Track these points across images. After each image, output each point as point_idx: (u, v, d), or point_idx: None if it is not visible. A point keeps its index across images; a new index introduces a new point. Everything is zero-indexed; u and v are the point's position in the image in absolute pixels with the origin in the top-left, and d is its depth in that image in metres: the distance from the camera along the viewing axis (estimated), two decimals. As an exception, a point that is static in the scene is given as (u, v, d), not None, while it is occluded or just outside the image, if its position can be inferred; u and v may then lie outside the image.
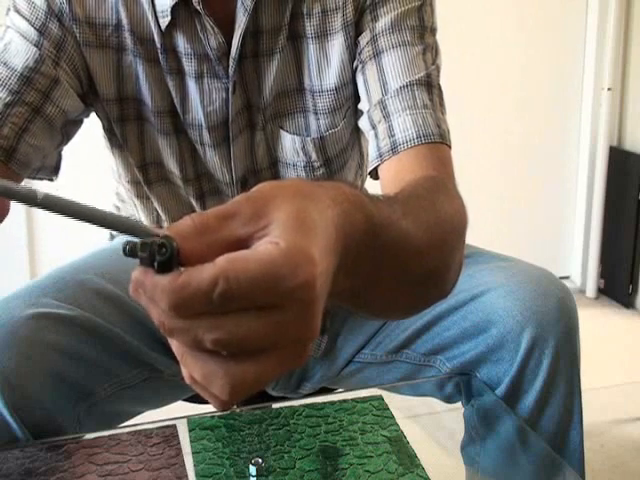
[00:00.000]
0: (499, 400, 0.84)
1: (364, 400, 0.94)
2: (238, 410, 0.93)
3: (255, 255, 0.38)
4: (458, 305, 0.88)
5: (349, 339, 1.00)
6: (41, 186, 0.93)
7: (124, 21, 0.83)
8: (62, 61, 0.82)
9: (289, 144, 0.90)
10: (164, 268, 0.38)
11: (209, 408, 1.03)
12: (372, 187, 0.80)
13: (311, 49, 0.86)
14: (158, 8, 0.82)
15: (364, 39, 0.84)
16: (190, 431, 0.87)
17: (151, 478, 0.78)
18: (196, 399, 1.09)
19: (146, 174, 0.92)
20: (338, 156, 0.93)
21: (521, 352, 0.82)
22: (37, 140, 0.81)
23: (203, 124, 0.87)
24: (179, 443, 0.84)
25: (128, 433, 0.85)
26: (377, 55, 0.83)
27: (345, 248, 0.44)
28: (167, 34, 0.84)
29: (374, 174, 0.84)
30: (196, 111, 0.87)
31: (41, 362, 0.80)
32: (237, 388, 0.39)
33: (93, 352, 0.86)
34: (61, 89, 0.82)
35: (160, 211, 0.96)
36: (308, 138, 0.89)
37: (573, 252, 2.66)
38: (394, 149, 0.80)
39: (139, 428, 0.86)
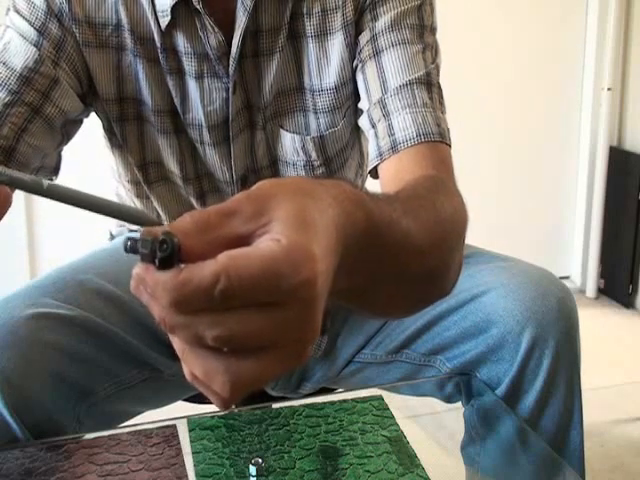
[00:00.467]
0: (499, 400, 0.84)
1: (364, 400, 0.94)
2: (238, 410, 0.93)
3: (256, 252, 0.38)
4: (458, 305, 0.88)
5: (349, 339, 1.00)
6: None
7: (124, 21, 0.83)
8: (62, 61, 0.82)
9: (289, 143, 0.90)
10: (165, 264, 0.38)
11: (209, 408, 1.03)
12: (372, 187, 0.80)
13: (311, 48, 0.86)
14: (158, 8, 0.82)
15: (364, 38, 0.84)
16: (190, 431, 0.87)
17: (151, 478, 0.78)
18: (196, 399, 1.09)
19: (146, 174, 0.92)
20: (338, 155, 0.93)
21: (521, 352, 0.82)
22: (36, 140, 0.81)
23: (203, 123, 0.87)
24: (179, 443, 0.84)
25: (128, 433, 0.85)
26: (377, 54, 0.83)
27: (346, 247, 0.44)
28: (167, 34, 0.84)
29: (374, 173, 0.84)
30: (196, 110, 0.87)
31: (41, 362, 0.80)
32: (238, 385, 0.39)
33: (93, 352, 0.86)
34: (60, 89, 0.82)
35: (160, 211, 0.96)
36: (308, 137, 0.89)
37: (573, 252, 2.66)
38: (394, 148, 0.80)
39: (139, 428, 0.86)
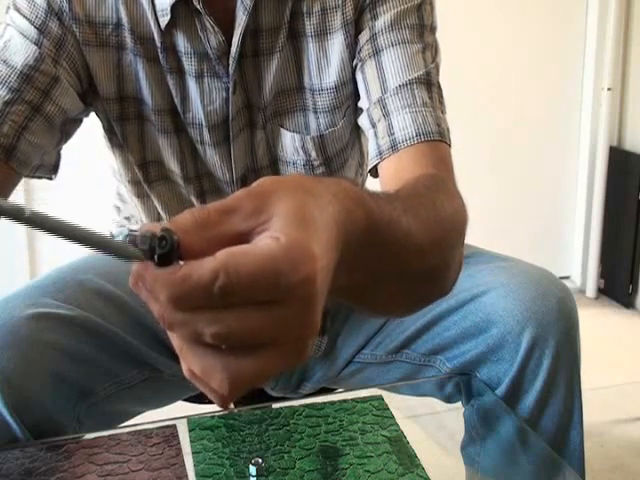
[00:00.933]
0: (499, 400, 0.84)
1: (364, 400, 0.94)
2: (238, 410, 0.93)
3: (256, 250, 0.38)
4: (458, 305, 0.88)
5: (349, 339, 1.00)
6: (40, 185, 0.93)
7: (124, 20, 0.83)
8: (62, 59, 0.82)
9: (289, 142, 0.90)
10: (164, 261, 0.38)
11: (209, 408, 1.03)
12: (372, 186, 0.80)
13: (311, 48, 0.86)
14: (158, 7, 0.82)
15: (363, 37, 0.84)
16: (190, 431, 0.87)
17: (151, 478, 0.78)
18: (196, 399, 1.09)
19: (146, 173, 0.92)
20: (338, 155, 0.93)
21: (521, 352, 0.82)
22: (37, 138, 0.81)
23: (203, 123, 0.87)
24: (179, 443, 0.84)
25: (128, 433, 0.85)
26: (377, 53, 0.83)
27: (346, 245, 0.44)
28: (167, 33, 0.83)
29: (374, 172, 0.84)
30: (196, 110, 0.87)
31: (41, 362, 0.80)
32: (236, 383, 0.39)
33: (93, 352, 0.86)
34: (61, 87, 0.82)
35: (160, 210, 0.96)
36: (308, 136, 0.89)
37: (573, 252, 2.66)
38: (394, 147, 0.80)
39: (139, 428, 0.86)
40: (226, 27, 0.83)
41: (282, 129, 0.90)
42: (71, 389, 0.83)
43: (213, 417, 0.90)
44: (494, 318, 0.84)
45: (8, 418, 0.75)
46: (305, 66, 0.87)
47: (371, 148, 0.83)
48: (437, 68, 0.86)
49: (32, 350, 0.80)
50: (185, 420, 0.89)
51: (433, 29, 0.87)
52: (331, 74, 0.86)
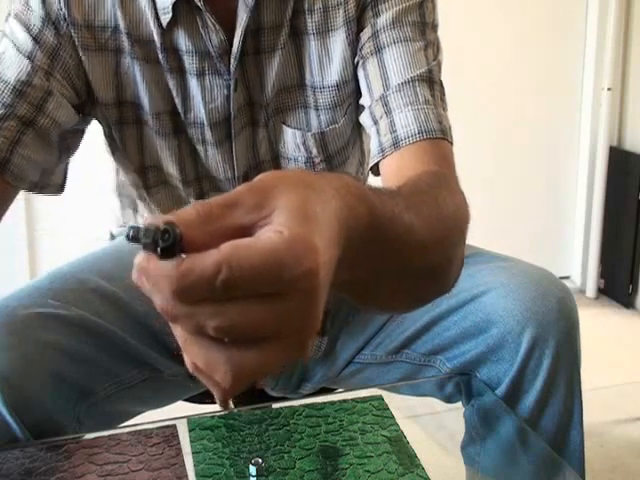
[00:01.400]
0: (499, 400, 0.84)
1: (364, 400, 0.94)
2: (238, 410, 0.93)
3: (258, 243, 0.38)
4: (458, 305, 0.88)
5: (349, 340, 1.00)
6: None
7: (121, 24, 0.83)
8: (56, 72, 0.82)
9: (290, 139, 0.90)
10: (167, 254, 0.38)
11: (209, 408, 1.03)
12: (373, 184, 0.79)
13: (313, 45, 0.86)
14: (159, 5, 0.82)
15: (365, 35, 0.84)
16: (190, 431, 0.87)
17: (151, 478, 0.78)
18: (196, 399, 1.09)
19: (145, 178, 0.92)
20: (339, 152, 0.92)
21: (521, 352, 0.82)
22: (30, 152, 0.80)
23: (205, 122, 0.87)
24: (179, 443, 0.84)
25: (128, 433, 0.85)
26: (378, 51, 0.83)
27: (348, 240, 0.44)
28: (168, 32, 0.83)
29: (375, 170, 0.84)
30: (198, 109, 0.87)
31: (41, 362, 0.80)
32: (239, 376, 0.39)
33: (93, 352, 0.86)
34: (54, 101, 0.82)
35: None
36: (309, 133, 0.89)
37: (573, 252, 2.66)
38: (396, 144, 0.80)
39: (139, 428, 0.86)
40: (228, 25, 0.83)
41: (284, 126, 0.90)
42: (71, 389, 0.83)
43: (213, 417, 0.90)
44: (494, 318, 0.84)
45: (8, 418, 0.75)
46: (307, 64, 0.87)
47: (373, 145, 0.83)
48: (439, 66, 0.86)
49: (32, 350, 0.80)
50: (185, 420, 0.89)
51: (435, 27, 0.87)
52: (333, 72, 0.86)
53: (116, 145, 0.91)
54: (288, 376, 1.04)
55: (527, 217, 2.58)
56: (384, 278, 0.53)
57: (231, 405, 0.75)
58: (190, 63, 0.85)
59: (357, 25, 0.85)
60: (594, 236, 2.57)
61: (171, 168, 0.91)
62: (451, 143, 0.82)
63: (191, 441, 0.86)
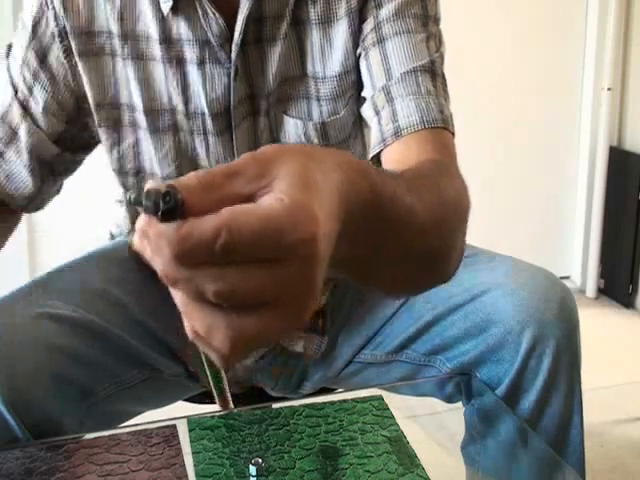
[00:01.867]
0: (499, 400, 0.84)
1: (364, 400, 0.94)
2: (238, 410, 0.93)
3: (259, 208, 0.38)
4: (458, 305, 0.88)
5: (349, 339, 1.00)
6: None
7: (115, 26, 0.84)
8: (37, 93, 0.88)
9: (292, 129, 0.90)
10: (168, 217, 0.38)
11: (209, 408, 1.03)
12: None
13: (315, 35, 0.86)
14: None
15: (368, 26, 0.84)
16: (190, 431, 0.87)
17: (151, 478, 0.78)
18: (196, 399, 1.09)
19: (142, 181, 0.92)
20: (340, 144, 0.92)
21: (522, 352, 0.82)
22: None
23: (206, 111, 0.87)
24: (179, 443, 0.84)
25: (128, 433, 0.85)
26: (381, 42, 0.83)
27: (348, 214, 0.44)
28: (168, 21, 0.84)
29: (376, 161, 0.84)
30: (198, 99, 0.87)
31: (41, 362, 0.80)
32: (238, 341, 0.39)
33: (93, 352, 0.86)
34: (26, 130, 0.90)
35: None
36: (310, 123, 0.89)
37: (573, 252, 2.66)
38: (397, 134, 0.80)
39: (139, 428, 0.86)
40: (230, 14, 0.82)
41: (285, 116, 0.89)
42: (71, 389, 0.83)
43: (213, 417, 0.90)
44: (494, 318, 0.84)
45: (8, 418, 0.75)
46: (309, 53, 0.87)
47: (374, 136, 0.83)
48: (442, 58, 0.86)
49: (32, 350, 0.80)
50: (185, 420, 0.88)
51: (437, 20, 0.87)
52: (334, 61, 0.86)
53: (112, 148, 0.91)
54: (288, 376, 1.04)
55: (527, 217, 2.58)
56: (384, 259, 0.53)
57: (231, 405, 0.74)
58: (190, 52, 0.85)
59: (359, 16, 0.85)
60: (594, 236, 2.57)
61: (166, 170, 0.91)
62: (453, 134, 0.82)
63: (191, 441, 0.86)
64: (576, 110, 2.55)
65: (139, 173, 0.92)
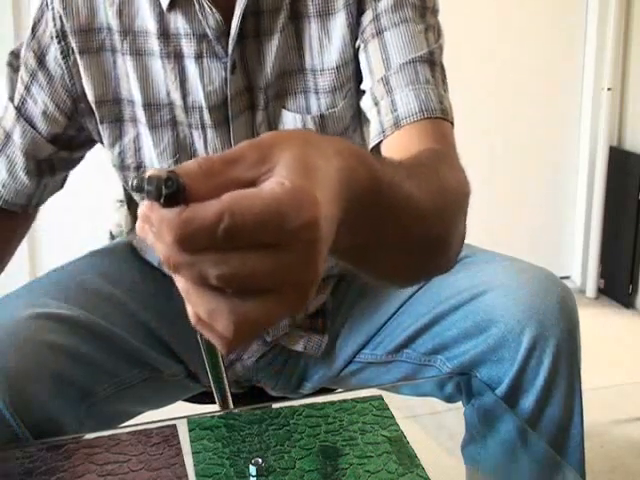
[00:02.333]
0: (499, 400, 0.84)
1: (364, 400, 0.94)
2: (238, 410, 0.93)
3: (261, 193, 0.38)
4: (459, 305, 0.88)
5: (349, 339, 1.00)
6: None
7: (114, 22, 0.84)
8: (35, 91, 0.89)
9: (290, 122, 0.90)
10: (170, 202, 0.38)
11: (209, 408, 1.03)
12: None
13: (312, 27, 0.86)
14: None
15: (366, 18, 0.84)
16: (190, 431, 0.87)
17: (151, 478, 0.78)
18: (196, 399, 1.09)
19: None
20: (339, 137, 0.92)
21: (522, 352, 0.82)
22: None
23: (204, 105, 0.87)
24: (179, 443, 0.84)
25: (128, 433, 0.85)
26: (379, 33, 0.83)
27: (348, 202, 0.44)
28: (166, 16, 0.84)
29: (376, 152, 0.84)
30: (196, 92, 0.87)
31: (41, 362, 0.80)
32: (241, 326, 0.39)
33: (93, 352, 0.86)
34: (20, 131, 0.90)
35: None
36: (308, 116, 0.89)
37: (573, 252, 2.66)
38: (396, 124, 0.80)
39: (139, 428, 0.86)
40: (228, 7, 0.82)
41: (283, 109, 0.89)
42: (71, 389, 0.83)
43: (213, 417, 0.90)
44: (494, 318, 0.84)
45: (8, 418, 0.75)
46: (306, 46, 0.87)
47: (373, 127, 0.83)
48: (440, 49, 0.86)
49: (32, 350, 0.80)
50: (185, 420, 0.88)
51: (435, 11, 0.87)
52: (332, 54, 0.86)
53: (111, 144, 0.91)
54: (288, 376, 1.04)
55: (527, 217, 2.58)
56: (384, 245, 0.53)
57: (231, 405, 0.74)
58: (188, 46, 0.85)
59: (357, 9, 0.85)
60: (594, 236, 2.57)
61: (165, 164, 0.91)
62: (452, 124, 0.82)
63: (191, 441, 0.86)
64: (576, 110, 2.55)
65: (139, 168, 0.92)
